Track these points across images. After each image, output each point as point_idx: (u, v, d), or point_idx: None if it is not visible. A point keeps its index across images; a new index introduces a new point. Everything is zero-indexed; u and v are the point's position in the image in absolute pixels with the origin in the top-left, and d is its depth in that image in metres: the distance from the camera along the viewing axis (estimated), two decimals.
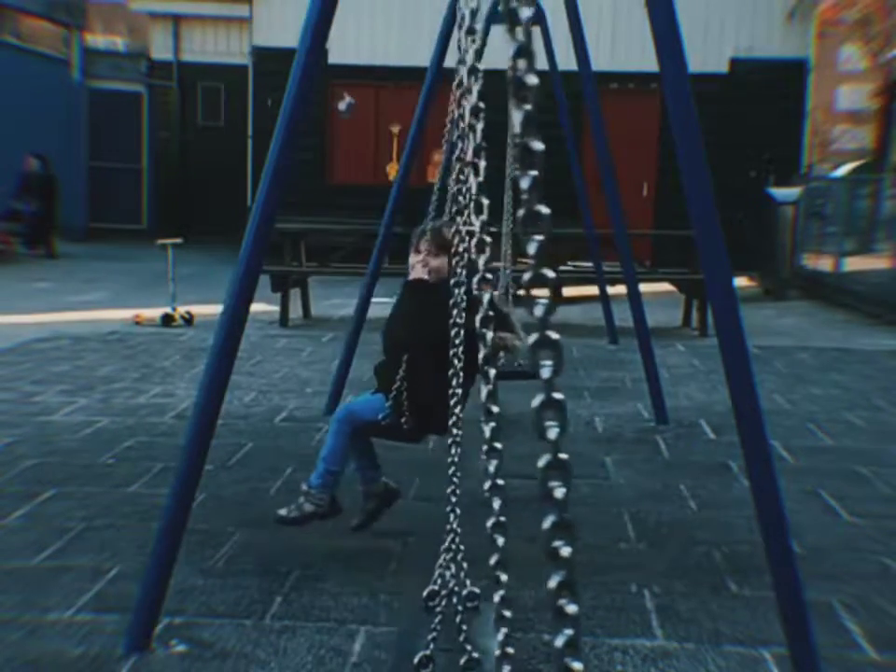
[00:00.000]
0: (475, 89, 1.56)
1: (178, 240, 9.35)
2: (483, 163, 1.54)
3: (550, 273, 1.27)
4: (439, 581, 2.12)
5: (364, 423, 3.50)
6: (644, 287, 6.32)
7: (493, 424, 1.50)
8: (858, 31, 28.19)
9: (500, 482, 1.53)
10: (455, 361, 3.11)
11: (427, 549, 3.51)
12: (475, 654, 1.83)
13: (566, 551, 1.29)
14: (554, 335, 1.34)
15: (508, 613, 1.54)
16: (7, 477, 4.19)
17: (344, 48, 14.29)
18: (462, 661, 1.82)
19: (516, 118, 1.22)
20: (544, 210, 1.26)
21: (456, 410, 3.57)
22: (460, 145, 2.33)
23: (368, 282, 5.79)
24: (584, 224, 8.44)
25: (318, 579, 3.20)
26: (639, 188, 14.98)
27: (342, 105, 15.44)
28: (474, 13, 1.90)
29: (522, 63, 1.23)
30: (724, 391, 2.63)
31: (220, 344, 2.84)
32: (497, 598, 1.55)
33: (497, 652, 1.52)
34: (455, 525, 2.17)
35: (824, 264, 12.74)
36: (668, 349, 7.81)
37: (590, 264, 9.09)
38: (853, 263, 12.35)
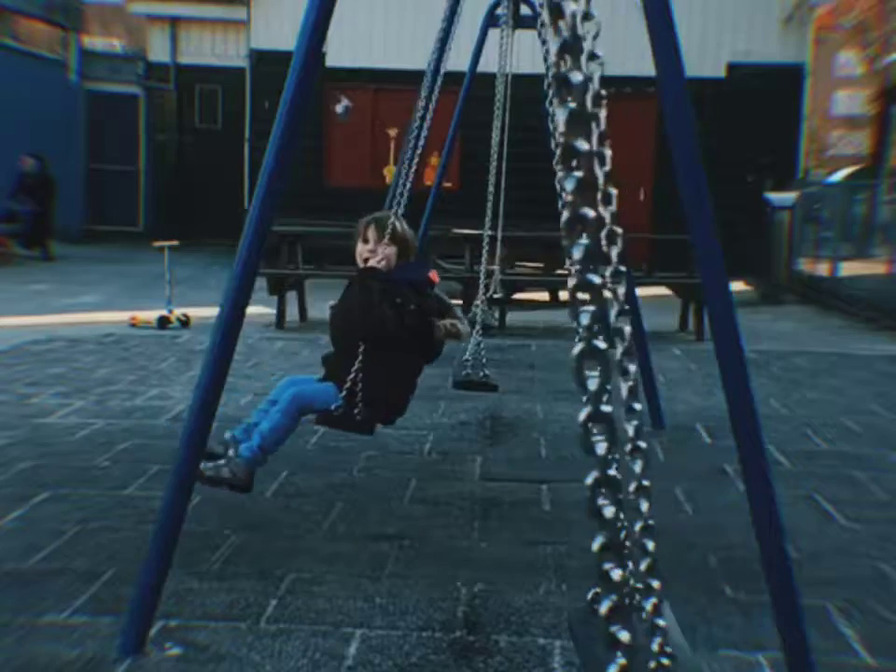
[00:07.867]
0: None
1: (175, 242, 9.33)
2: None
3: (595, 279, 1.24)
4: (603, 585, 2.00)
5: (314, 410, 3.49)
6: (641, 291, 6.32)
7: (636, 422, 1.47)
8: (855, 36, 28.29)
9: (646, 482, 1.51)
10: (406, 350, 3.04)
11: (423, 552, 3.52)
12: (668, 649, 1.68)
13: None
14: (601, 344, 1.30)
15: (662, 622, 1.47)
16: (1, 479, 4.18)
17: (342, 50, 14.30)
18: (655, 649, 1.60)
19: (559, 116, 1.19)
20: (590, 213, 1.22)
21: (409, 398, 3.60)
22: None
23: None
24: None
25: (313, 582, 3.19)
26: (636, 192, 14.99)
27: (339, 108, 15.44)
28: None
29: (566, 60, 1.20)
30: (720, 395, 2.63)
31: (216, 347, 2.83)
32: (649, 606, 1.48)
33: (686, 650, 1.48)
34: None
35: (821, 269, 12.76)
36: (665, 353, 7.81)
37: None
38: (849, 268, 12.37)
